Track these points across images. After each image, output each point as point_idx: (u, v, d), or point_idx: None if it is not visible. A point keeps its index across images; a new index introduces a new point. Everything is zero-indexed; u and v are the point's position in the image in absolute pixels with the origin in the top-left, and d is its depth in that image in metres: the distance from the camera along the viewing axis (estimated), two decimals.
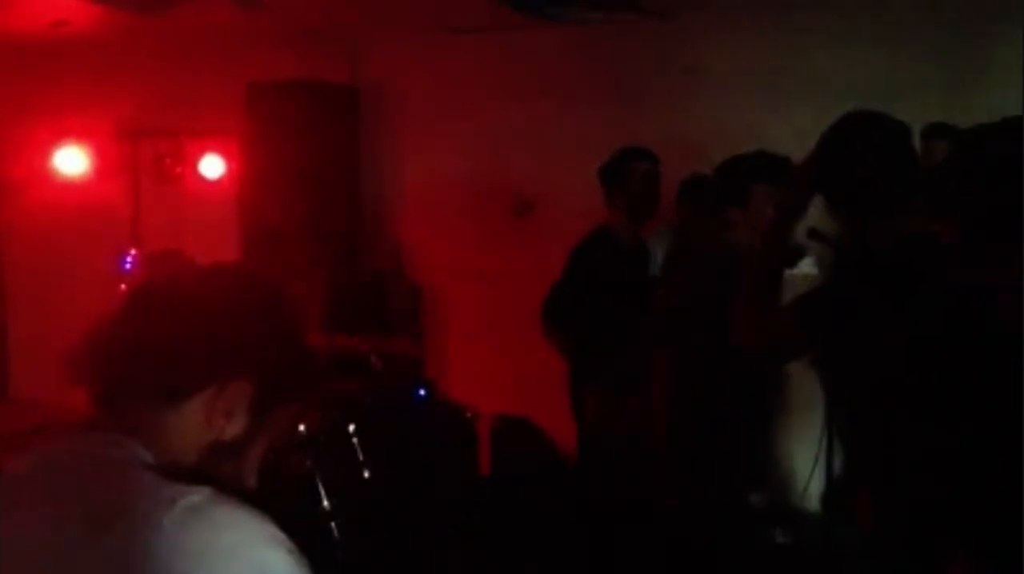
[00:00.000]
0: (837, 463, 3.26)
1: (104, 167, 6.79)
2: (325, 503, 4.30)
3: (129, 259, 6.43)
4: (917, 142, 3.68)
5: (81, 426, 1.25)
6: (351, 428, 4.63)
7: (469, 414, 5.33)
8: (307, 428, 4.57)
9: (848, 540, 2.84)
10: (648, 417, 4.65)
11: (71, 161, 6.64)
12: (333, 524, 4.22)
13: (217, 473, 1.24)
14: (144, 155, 6.92)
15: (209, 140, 6.68)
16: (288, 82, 6.15)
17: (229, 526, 1.12)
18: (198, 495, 1.12)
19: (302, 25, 5.97)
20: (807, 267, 4.86)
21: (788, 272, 4.57)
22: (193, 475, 1.19)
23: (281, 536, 1.15)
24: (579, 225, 4.57)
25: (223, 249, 6.38)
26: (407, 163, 6.53)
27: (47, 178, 6.69)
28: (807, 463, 3.78)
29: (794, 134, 5.31)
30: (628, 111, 5.68)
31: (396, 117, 6.49)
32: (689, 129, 5.49)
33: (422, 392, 5.35)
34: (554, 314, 4.46)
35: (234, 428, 1.26)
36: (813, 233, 4.46)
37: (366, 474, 4.62)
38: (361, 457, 4.62)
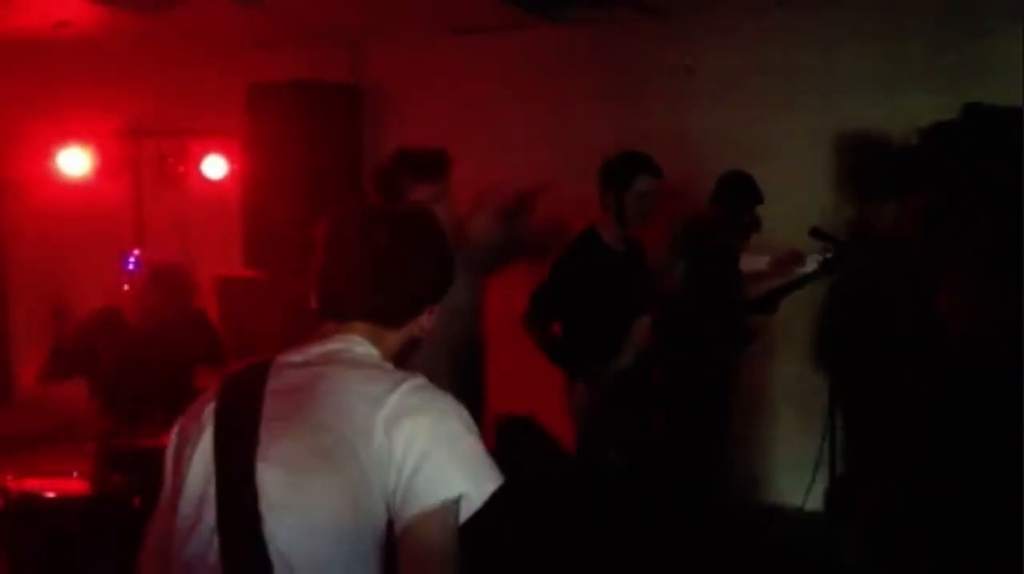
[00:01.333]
0: (839, 463, 3.27)
1: (107, 167, 6.79)
2: None
3: (132, 259, 6.43)
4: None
5: (323, 334, 1.69)
6: None
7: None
8: None
9: (849, 539, 2.85)
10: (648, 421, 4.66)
11: (74, 161, 6.65)
12: None
13: (407, 362, 1.71)
14: (147, 155, 6.92)
15: (211, 140, 6.69)
16: (290, 82, 6.15)
17: (441, 397, 1.61)
18: (419, 378, 1.61)
19: (304, 25, 5.97)
20: (810, 267, 4.87)
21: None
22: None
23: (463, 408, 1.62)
24: (578, 224, 4.57)
25: (225, 248, 6.39)
26: None
27: (50, 178, 6.69)
28: (810, 462, 3.79)
29: (794, 133, 5.34)
30: (629, 110, 5.69)
31: (398, 117, 6.49)
32: (689, 128, 5.49)
33: None
34: (537, 312, 4.45)
35: (426, 331, 1.76)
36: (816, 232, 4.48)
37: None
38: None
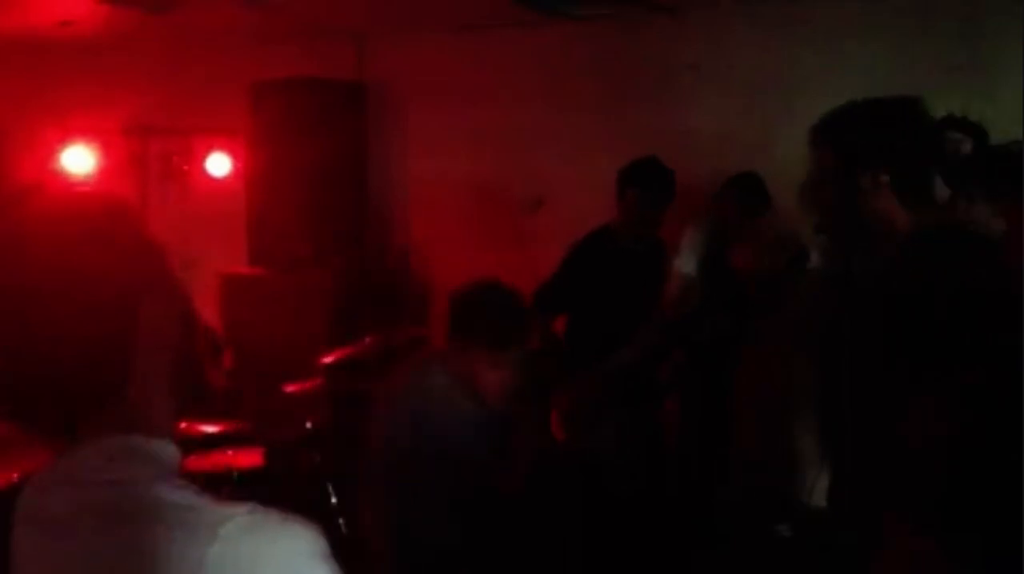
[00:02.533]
0: (842, 458, 3.25)
1: (111, 166, 6.80)
2: (333, 499, 4.32)
3: None
4: None
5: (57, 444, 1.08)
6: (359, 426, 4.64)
7: None
8: (315, 425, 4.58)
9: (852, 536, 2.83)
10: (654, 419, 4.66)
11: (78, 160, 6.65)
12: (341, 520, 4.24)
13: None
14: (151, 153, 6.93)
15: (216, 138, 6.69)
16: (295, 79, 6.15)
17: (280, 529, 1.04)
18: (240, 520, 1.03)
19: (309, 22, 5.97)
20: (815, 262, 4.86)
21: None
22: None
23: (324, 548, 1.08)
24: (587, 222, 4.57)
25: (230, 246, 6.39)
26: (414, 160, 6.54)
27: (55, 177, 6.70)
28: (813, 458, 3.78)
29: (799, 131, 5.32)
30: (634, 107, 5.68)
31: (403, 114, 6.50)
32: (695, 126, 5.48)
33: None
34: (537, 305, 4.45)
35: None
36: (820, 228, 4.45)
37: None
38: None
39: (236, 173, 6.63)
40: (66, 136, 6.64)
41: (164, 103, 6.74)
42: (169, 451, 1.08)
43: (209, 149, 6.71)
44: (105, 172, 6.77)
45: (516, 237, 6.02)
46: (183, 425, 3.66)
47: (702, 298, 4.73)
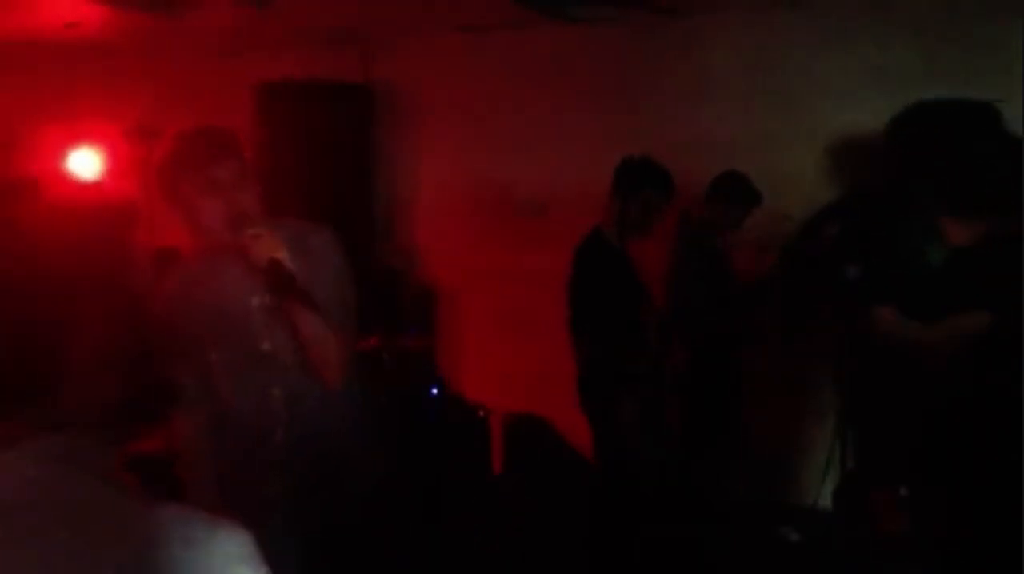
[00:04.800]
0: (850, 463, 3.25)
1: (117, 168, 6.81)
2: None
3: None
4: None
5: None
6: None
7: (481, 412, 5.34)
8: None
9: (859, 539, 2.83)
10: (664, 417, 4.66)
11: (85, 163, 6.67)
12: None
13: None
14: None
15: None
16: (300, 82, 6.15)
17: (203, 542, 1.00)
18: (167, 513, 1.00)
19: (314, 25, 5.98)
20: None
21: None
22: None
23: (253, 552, 1.03)
24: (591, 225, 4.57)
25: None
26: (420, 163, 6.54)
27: (61, 180, 6.71)
28: (821, 462, 3.77)
29: (805, 133, 5.32)
30: (640, 109, 5.68)
31: (409, 117, 6.50)
32: (698, 128, 5.48)
33: (434, 390, 5.36)
34: (573, 325, 4.44)
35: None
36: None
37: None
38: None
39: None
40: (72, 138, 6.66)
41: (170, 105, 6.75)
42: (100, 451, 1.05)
43: None
44: (111, 175, 6.78)
45: (522, 239, 6.03)
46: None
47: (698, 298, 4.73)
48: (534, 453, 5.32)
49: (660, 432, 4.53)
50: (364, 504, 2.56)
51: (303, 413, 2.54)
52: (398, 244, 6.55)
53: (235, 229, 2.45)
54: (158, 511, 0.99)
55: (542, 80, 6.03)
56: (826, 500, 4.62)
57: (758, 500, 5.34)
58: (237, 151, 2.60)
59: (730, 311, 4.82)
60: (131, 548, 0.95)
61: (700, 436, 4.85)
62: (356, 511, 2.52)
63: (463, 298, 6.31)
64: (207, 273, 2.60)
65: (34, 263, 0.98)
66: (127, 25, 5.75)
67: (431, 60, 6.36)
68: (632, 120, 5.64)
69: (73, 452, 1.01)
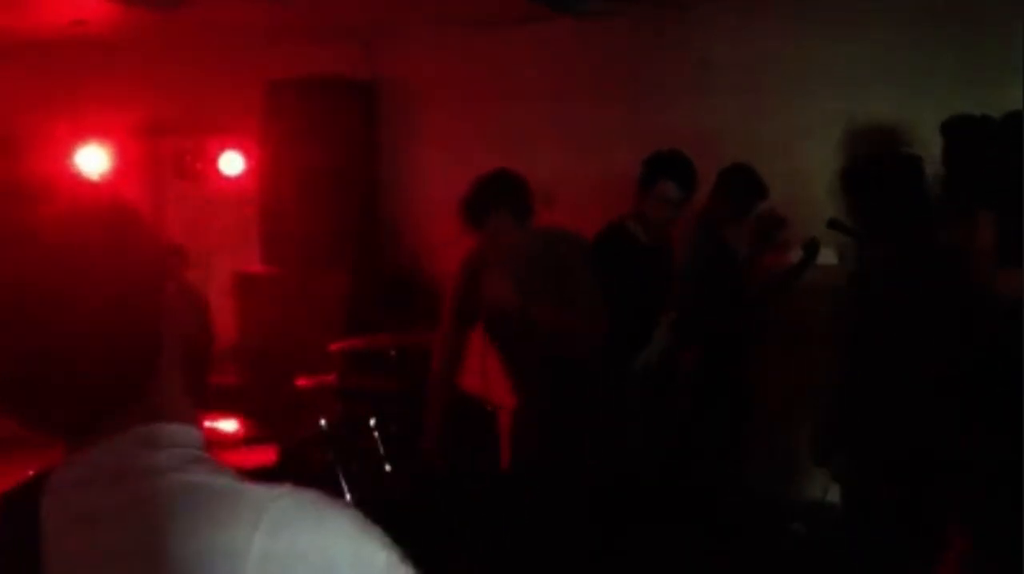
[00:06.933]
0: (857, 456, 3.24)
1: (125, 165, 6.82)
2: (347, 497, 4.32)
3: None
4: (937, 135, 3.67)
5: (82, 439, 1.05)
6: (372, 422, 4.65)
7: (489, 408, 5.33)
8: (328, 422, 4.59)
9: (867, 533, 2.83)
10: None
11: (92, 160, 6.68)
12: None
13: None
14: (164, 153, 6.95)
15: (229, 137, 6.70)
16: (307, 79, 6.16)
17: (327, 512, 1.02)
18: (285, 495, 1.01)
19: (320, 21, 5.98)
20: (828, 258, 4.85)
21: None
22: None
23: (368, 526, 1.05)
24: (597, 218, 4.56)
25: (243, 245, 6.41)
26: (426, 158, 6.54)
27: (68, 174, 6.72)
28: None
29: (808, 126, 5.31)
30: (644, 103, 5.67)
31: (415, 112, 6.50)
32: (706, 121, 5.47)
33: None
34: None
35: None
36: (834, 223, 4.45)
37: (388, 468, 4.64)
38: (382, 451, 4.63)
39: (249, 172, 6.64)
40: (80, 136, 6.67)
41: (177, 103, 6.76)
42: (195, 435, 1.07)
43: (222, 148, 6.72)
44: (119, 172, 6.80)
45: None
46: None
47: (708, 294, 4.72)
48: (541, 448, 5.31)
49: (664, 430, 4.52)
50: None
51: None
52: (405, 241, 6.54)
53: None
54: (268, 489, 1.00)
55: (547, 74, 6.02)
56: (834, 495, 4.62)
57: (767, 496, 5.33)
58: None
59: (740, 309, 4.82)
60: (247, 526, 0.96)
61: (708, 434, 4.85)
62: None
63: None
64: None
65: (111, 280, 1.01)
66: (134, 22, 5.75)
67: (437, 56, 6.35)
68: (639, 114, 5.63)
69: (168, 438, 1.04)
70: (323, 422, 4.58)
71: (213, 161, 6.76)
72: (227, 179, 6.74)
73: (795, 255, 4.89)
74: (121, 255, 1.03)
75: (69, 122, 6.74)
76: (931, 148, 3.64)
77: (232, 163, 6.71)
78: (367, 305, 6.02)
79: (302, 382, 4.86)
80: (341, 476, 4.37)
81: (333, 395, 4.91)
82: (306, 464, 4.53)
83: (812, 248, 4.79)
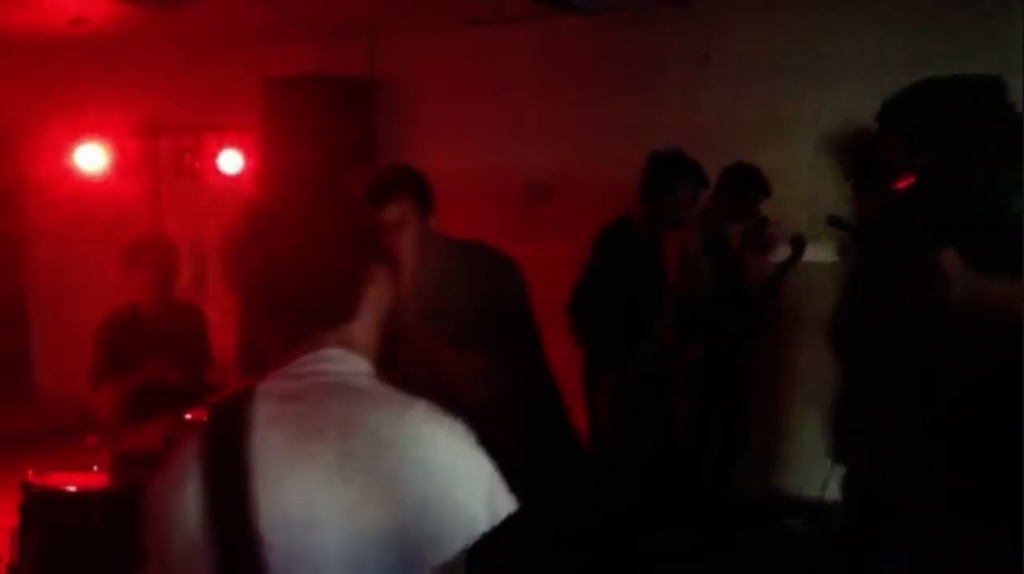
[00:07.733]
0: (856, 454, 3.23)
1: (124, 163, 6.81)
2: None
3: None
4: None
5: (291, 351, 1.46)
6: None
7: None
8: None
9: (866, 531, 2.82)
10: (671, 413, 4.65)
11: (91, 158, 6.66)
12: None
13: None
14: (163, 151, 6.94)
15: (228, 135, 6.70)
16: (306, 76, 6.15)
17: (449, 425, 1.40)
18: (421, 405, 1.41)
19: (319, 19, 5.98)
20: (828, 255, 4.85)
21: (809, 261, 4.56)
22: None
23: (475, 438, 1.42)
24: (596, 213, 4.57)
25: None
26: (425, 155, 6.51)
27: (67, 175, 6.72)
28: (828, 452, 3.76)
29: (808, 120, 5.31)
30: (644, 98, 5.67)
31: (414, 109, 6.50)
32: (705, 117, 5.47)
33: None
34: (577, 307, 4.45)
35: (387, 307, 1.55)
36: (834, 221, 4.45)
37: None
38: None
39: (248, 170, 6.63)
40: (78, 134, 6.66)
41: (176, 101, 6.76)
42: (366, 366, 1.47)
43: (221, 146, 6.72)
44: (118, 170, 6.79)
45: (527, 230, 6.02)
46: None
47: (707, 289, 4.73)
48: (544, 442, 5.31)
49: (660, 426, 4.52)
50: None
51: None
52: None
53: None
54: (411, 398, 1.41)
55: (547, 70, 6.02)
56: (833, 492, 4.62)
57: (765, 493, 5.34)
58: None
59: (739, 308, 4.82)
60: (396, 419, 1.38)
61: (707, 431, 4.85)
62: None
63: None
64: None
65: (331, 242, 1.47)
66: (133, 20, 5.75)
67: (435, 52, 6.35)
68: (638, 110, 5.63)
69: (352, 358, 1.46)
70: None
71: (212, 159, 6.76)
72: (226, 177, 6.74)
73: (782, 253, 4.91)
74: (325, 235, 1.47)
75: (68, 120, 6.73)
76: None
77: (231, 161, 6.71)
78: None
79: None
80: None
81: None
82: None
83: (799, 244, 4.81)
